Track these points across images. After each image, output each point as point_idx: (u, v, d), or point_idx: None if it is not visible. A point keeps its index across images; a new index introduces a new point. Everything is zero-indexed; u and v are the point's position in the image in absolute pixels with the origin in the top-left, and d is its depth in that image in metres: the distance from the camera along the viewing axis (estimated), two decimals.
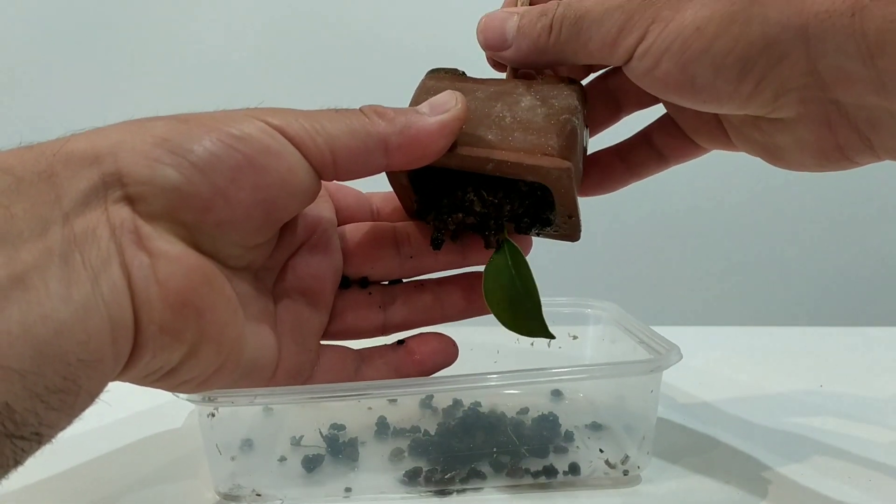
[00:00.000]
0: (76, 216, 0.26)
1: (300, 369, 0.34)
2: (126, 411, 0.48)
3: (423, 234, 0.38)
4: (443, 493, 0.38)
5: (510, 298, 0.35)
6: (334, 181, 0.34)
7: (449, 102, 0.33)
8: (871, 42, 0.27)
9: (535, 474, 0.38)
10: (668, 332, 0.58)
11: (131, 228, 0.27)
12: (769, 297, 1.16)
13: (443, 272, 0.40)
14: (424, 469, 0.38)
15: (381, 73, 1.03)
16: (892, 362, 0.61)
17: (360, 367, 0.36)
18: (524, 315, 0.35)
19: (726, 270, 1.15)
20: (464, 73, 0.38)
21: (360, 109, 0.32)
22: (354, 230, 0.38)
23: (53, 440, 0.26)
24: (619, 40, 0.32)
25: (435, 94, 0.34)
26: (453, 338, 0.39)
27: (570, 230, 0.37)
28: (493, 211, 0.36)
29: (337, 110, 0.32)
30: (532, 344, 0.49)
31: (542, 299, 0.52)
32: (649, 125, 0.41)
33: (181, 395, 0.35)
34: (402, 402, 0.46)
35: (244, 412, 0.40)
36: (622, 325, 0.46)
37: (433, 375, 0.39)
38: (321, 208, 0.37)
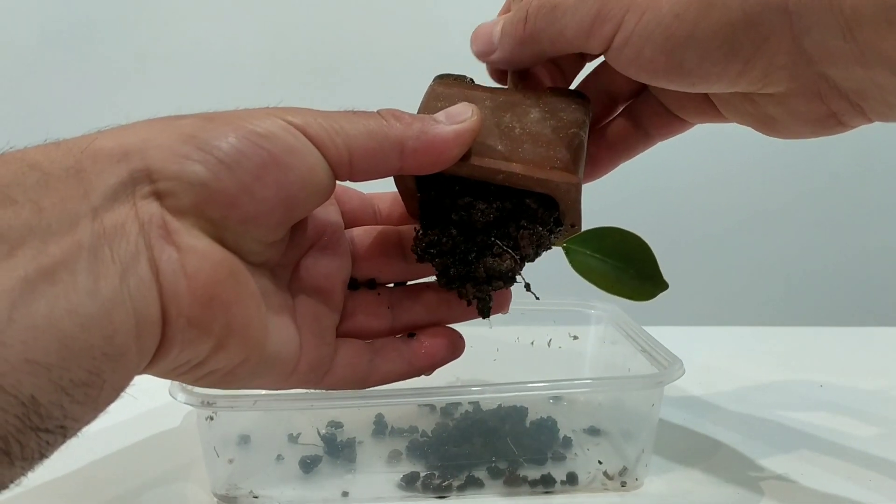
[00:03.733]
0: (105, 211, 0.26)
1: (321, 362, 0.35)
2: (124, 412, 0.48)
3: None
4: (440, 498, 0.38)
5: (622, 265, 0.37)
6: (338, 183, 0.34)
7: (465, 113, 0.33)
8: (849, 16, 0.27)
9: (533, 483, 0.39)
10: (668, 332, 0.59)
11: (160, 223, 0.27)
12: (769, 297, 1.16)
13: None
14: (422, 474, 0.38)
15: (385, 76, 1.03)
16: (892, 362, 0.61)
17: (374, 360, 0.37)
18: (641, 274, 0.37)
19: (726, 270, 1.15)
20: (472, 80, 0.38)
21: (378, 112, 0.33)
22: (363, 234, 0.39)
23: (78, 434, 0.26)
24: (595, 29, 0.33)
25: (445, 100, 0.35)
26: None
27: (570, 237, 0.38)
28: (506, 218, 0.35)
29: (354, 112, 0.32)
30: (532, 343, 0.49)
31: (545, 300, 0.52)
32: (631, 103, 0.41)
33: (180, 397, 0.35)
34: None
35: (242, 412, 0.40)
36: (623, 329, 0.46)
37: (434, 384, 0.39)
38: (329, 211, 0.37)
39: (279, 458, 0.40)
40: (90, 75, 1.03)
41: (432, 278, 0.39)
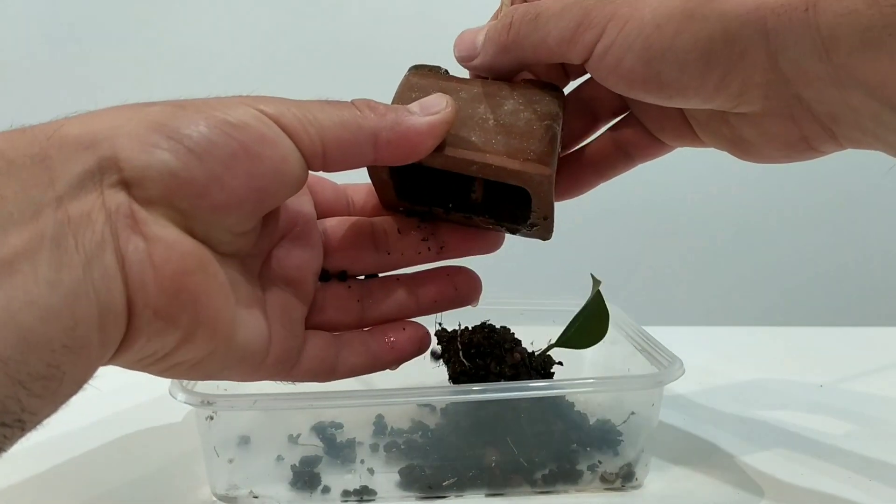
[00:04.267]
0: (70, 200, 0.25)
1: (289, 355, 0.35)
2: (123, 411, 0.48)
3: (403, 229, 0.39)
4: (440, 498, 0.38)
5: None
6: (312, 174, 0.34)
7: (439, 104, 0.33)
8: (825, 37, 0.27)
9: (533, 483, 0.39)
10: (668, 332, 0.59)
11: (127, 213, 0.27)
12: (769, 298, 1.16)
13: (420, 266, 0.41)
14: (421, 474, 0.38)
15: (377, 72, 1.03)
16: (892, 363, 0.61)
17: (341, 353, 0.37)
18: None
19: (726, 270, 1.15)
20: (447, 71, 0.38)
21: (353, 102, 0.32)
22: (335, 225, 0.39)
23: (39, 427, 0.25)
24: (577, 36, 0.33)
25: (419, 90, 0.35)
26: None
27: (543, 231, 0.38)
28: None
29: (328, 101, 0.32)
30: (532, 343, 0.49)
31: (545, 299, 0.52)
32: (613, 125, 0.41)
33: (180, 396, 0.35)
34: None
35: (242, 412, 0.40)
36: (623, 329, 0.46)
37: (435, 385, 0.40)
38: (302, 202, 0.37)
39: (279, 458, 0.40)
40: (90, 75, 1.03)
41: (403, 271, 0.40)
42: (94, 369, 0.27)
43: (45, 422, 0.26)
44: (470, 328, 0.42)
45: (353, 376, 0.37)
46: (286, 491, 0.38)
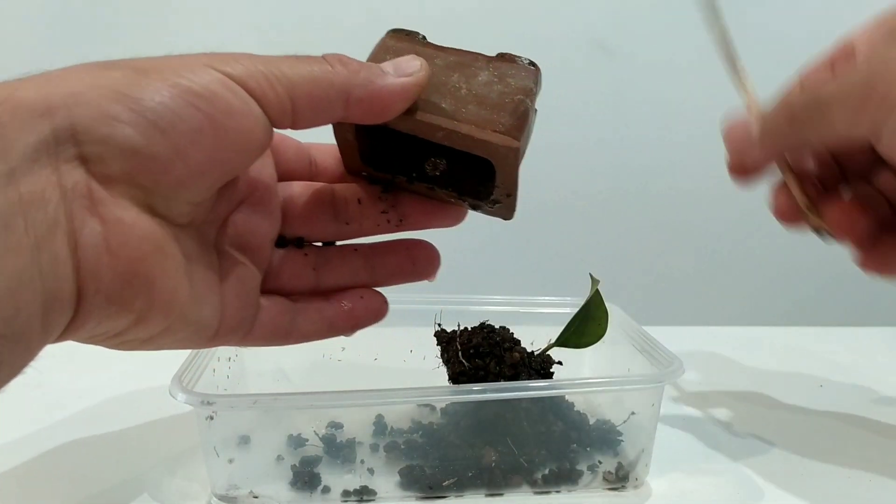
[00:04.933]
0: (23, 174, 0.24)
1: (243, 322, 0.34)
2: (123, 411, 0.48)
3: (364, 199, 0.38)
4: (440, 497, 0.38)
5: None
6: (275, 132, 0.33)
7: (413, 66, 0.33)
8: None
9: (533, 483, 0.39)
10: (668, 332, 0.59)
11: (84, 192, 0.25)
12: (769, 297, 1.16)
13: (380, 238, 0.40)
14: (421, 474, 0.38)
15: None
16: (892, 362, 0.61)
17: (295, 318, 0.36)
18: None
19: (727, 270, 1.15)
20: (424, 37, 0.37)
21: (324, 57, 0.31)
22: (295, 191, 0.38)
23: None
24: (864, 117, 0.32)
25: (394, 53, 0.35)
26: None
27: (505, 209, 0.37)
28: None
29: (298, 56, 0.31)
30: (532, 343, 0.49)
31: (545, 298, 0.52)
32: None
33: (180, 397, 0.35)
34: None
35: (242, 412, 0.40)
36: (623, 329, 0.46)
37: (435, 385, 0.40)
38: (264, 165, 0.36)
39: (279, 458, 0.40)
40: None
41: (361, 240, 0.39)
42: (34, 355, 0.26)
43: None
44: (469, 328, 0.42)
45: (308, 341, 0.36)
46: (286, 491, 0.38)
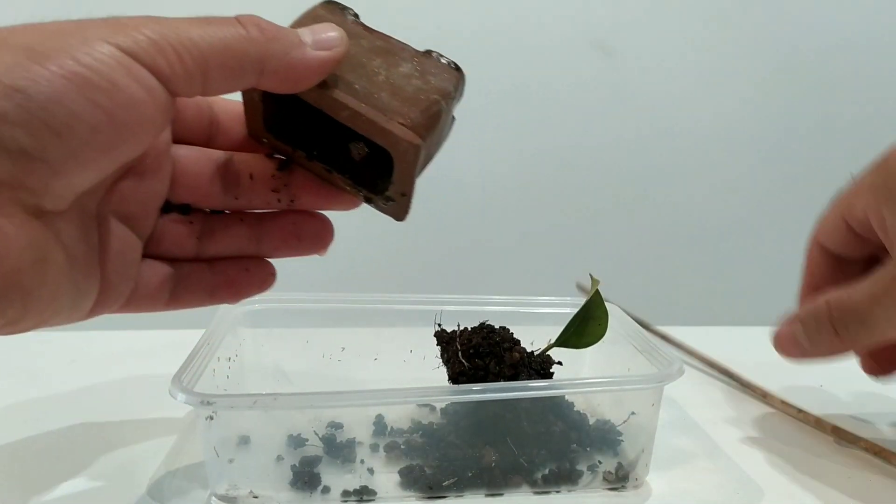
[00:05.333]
0: None
1: (120, 295, 0.33)
2: (123, 411, 0.48)
3: (255, 175, 0.37)
4: (440, 497, 0.38)
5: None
6: None
7: (331, 38, 0.31)
8: None
9: (533, 483, 0.39)
10: (669, 332, 0.59)
11: None
12: (769, 297, 1.16)
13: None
14: (421, 474, 0.38)
15: None
16: None
17: (176, 289, 0.35)
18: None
19: (726, 270, 1.15)
20: (356, 14, 0.36)
21: (237, 19, 0.29)
22: (187, 157, 0.36)
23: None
24: None
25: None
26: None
27: (398, 209, 0.36)
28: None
29: (209, 19, 0.28)
30: (532, 343, 0.49)
31: (545, 298, 0.52)
32: None
33: (180, 397, 0.35)
34: None
35: (242, 412, 0.40)
36: (623, 329, 0.46)
37: (435, 385, 0.40)
38: None
39: (279, 458, 0.40)
40: None
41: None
42: None
43: None
44: (469, 328, 0.42)
45: (190, 308, 0.36)
46: (286, 491, 0.38)
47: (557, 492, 0.39)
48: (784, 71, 1.11)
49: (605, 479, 0.39)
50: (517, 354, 0.40)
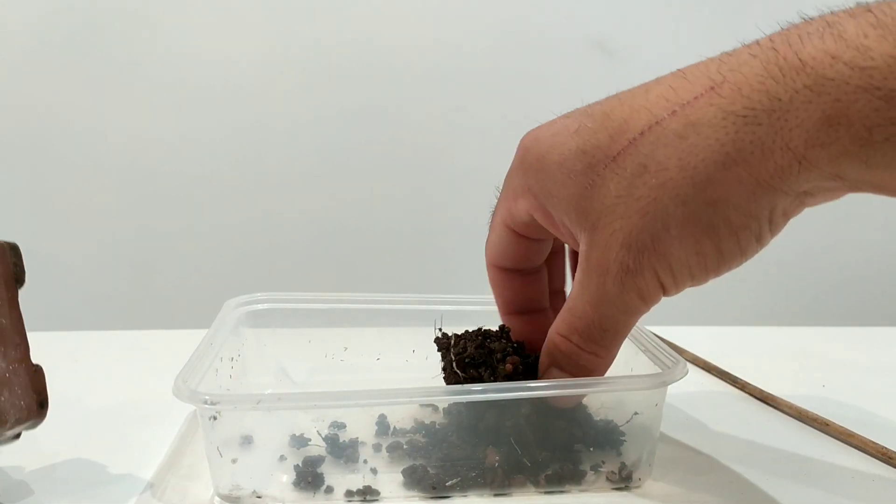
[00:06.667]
0: None
1: None
2: (125, 411, 0.48)
3: None
4: (443, 497, 0.38)
5: None
6: None
7: None
8: None
9: (536, 483, 0.39)
10: (669, 332, 0.59)
11: None
12: (769, 297, 1.16)
13: None
14: (424, 474, 0.38)
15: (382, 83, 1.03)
16: (894, 362, 0.61)
17: None
18: None
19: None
20: None
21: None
22: None
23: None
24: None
25: None
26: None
27: None
28: None
29: None
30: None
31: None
32: None
33: (183, 397, 0.35)
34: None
35: (245, 412, 0.40)
36: None
37: (438, 385, 0.40)
38: None
39: (282, 458, 0.40)
40: (90, 75, 1.03)
41: None
42: None
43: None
44: (467, 332, 0.42)
45: None
46: (289, 491, 0.38)
47: (561, 492, 0.39)
48: None
49: (608, 479, 0.39)
50: (510, 366, 0.40)
